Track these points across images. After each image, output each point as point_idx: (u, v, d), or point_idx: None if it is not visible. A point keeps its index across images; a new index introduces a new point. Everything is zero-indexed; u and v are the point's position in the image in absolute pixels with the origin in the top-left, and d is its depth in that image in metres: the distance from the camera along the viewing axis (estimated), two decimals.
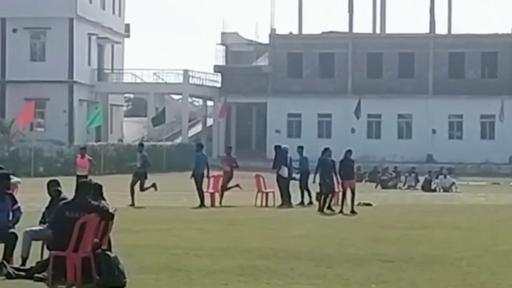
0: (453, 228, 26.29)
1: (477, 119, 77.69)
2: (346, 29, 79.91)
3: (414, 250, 19.47)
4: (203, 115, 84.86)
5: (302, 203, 34.37)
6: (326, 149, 33.50)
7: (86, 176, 27.71)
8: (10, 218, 15.07)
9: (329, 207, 32.05)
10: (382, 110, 75.07)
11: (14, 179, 20.46)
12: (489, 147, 76.72)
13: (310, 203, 34.48)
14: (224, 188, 33.04)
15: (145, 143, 71.18)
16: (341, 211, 31.49)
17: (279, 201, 33.56)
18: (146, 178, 33.99)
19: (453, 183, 53.18)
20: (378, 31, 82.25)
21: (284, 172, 33.55)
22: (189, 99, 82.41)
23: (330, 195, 32.73)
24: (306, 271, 15.22)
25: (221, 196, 33.33)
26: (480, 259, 17.70)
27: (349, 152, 33.50)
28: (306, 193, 34.59)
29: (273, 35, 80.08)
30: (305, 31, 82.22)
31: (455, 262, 17.47)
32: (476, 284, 14.28)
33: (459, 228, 26.59)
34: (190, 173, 34.61)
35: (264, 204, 33.32)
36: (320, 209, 31.80)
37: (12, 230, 14.93)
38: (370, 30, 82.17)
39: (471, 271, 16.05)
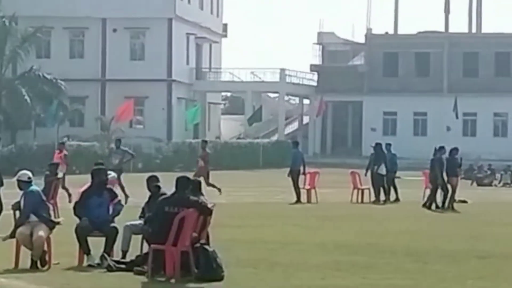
0: None
1: None
2: (442, 29, 79.55)
3: (511, 247, 19.24)
4: (299, 113, 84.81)
5: (387, 200, 34.08)
6: (455, 149, 32.77)
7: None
8: (110, 212, 15.48)
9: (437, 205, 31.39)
10: (477, 108, 74.38)
11: (111, 174, 20.79)
12: None
13: (397, 199, 34.23)
14: (208, 184, 30.58)
15: (242, 140, 74.07)
16: (439, 207, 30.91)
17: (373, 198, 33.47)
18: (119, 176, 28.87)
19: None
20: (474, 30, 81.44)
21: (382, 169, 33.50)
22: (286, 97, 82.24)
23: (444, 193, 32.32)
24: (402, 266, 15.12)
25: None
26: None
27: (454, 150, 33.08)
28: (392, 190, 34.17)
29: (369, 35, 79.98)
30: (401, 31, 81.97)
31: None
32: None
33: None
34: (287, 170, 34.25)
35: (360, 200, 33.14)
36: (449, 206, 30.97)
37: (113, 224, 15.36)
38: (466, 30, 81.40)
39: None
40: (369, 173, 35.23)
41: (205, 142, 39.06)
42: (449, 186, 31.69)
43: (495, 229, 23.31)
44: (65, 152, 32.40)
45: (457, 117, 71.93)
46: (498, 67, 77.31)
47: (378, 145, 35.79)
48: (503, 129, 76.15)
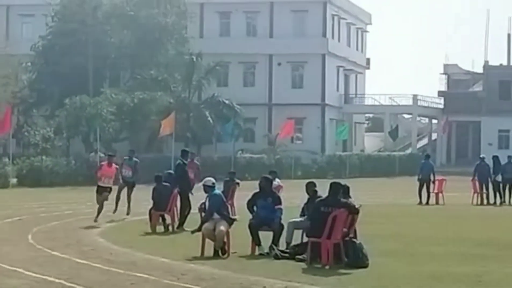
0: None
1: None
2: None
3: None
4: (428, 131, 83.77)
5: (503, 202, 32.86)
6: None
7: (110, 188, 21.62)
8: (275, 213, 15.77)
9: None
10: None
11: (276, 181, 20.87)
12: None
13: (504, 202, 32.81)
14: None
15: (381, 153, 73.32)
16: None
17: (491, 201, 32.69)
18: (132, 188, 24.30)
19: None
20: None
21: (499, 177, 32.66)
22: (417, 118, 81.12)
23: None
24: None
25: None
26: None
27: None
28: (503, 195, 32.98)
29: (486, 66, 78.74)
30: None
31: None
32: None
33: None
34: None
35: (479, 202, 32.47)
36: None
37: (279, 221, 15.54)
38: None
39: None
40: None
41: (193, 154, 27.99)
42: None
43: None
44: (115, 165, 24.34)
45: None
46: None
47: (496, 157, 34.79)
48: None
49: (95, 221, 20.50)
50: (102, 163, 21.95)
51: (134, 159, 23.96)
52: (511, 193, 33.49)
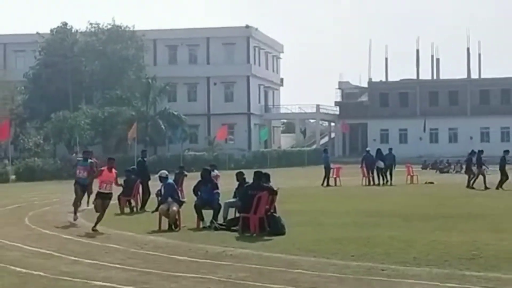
0: (486, 196, 25.40)
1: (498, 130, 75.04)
2: (415, 76, 78.46)
3: (463, 210, 19.19)
4: (328, 131, 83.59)
5: (385, 183, 32.69)
6: (480, 151, 30.88)
7: (111, 195, 15.36)
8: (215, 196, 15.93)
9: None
10: (438, 125, 73.32)
11: (215, 172, 20.73)
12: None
13: (386, 183, 32.60)
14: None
15: (294, 149, 72.93)
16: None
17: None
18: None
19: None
20: (435, 76, 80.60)
21: (381, 164, 32.87)
22: (320, 122, 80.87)
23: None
24: (395, 224, 15.54)
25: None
26: (503, 215, 17.79)
27: (478, 152, 30.43)
28: (385, 177, 32.94)
29: (370, 82, 79.13)
30: (390, 78, 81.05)
31: (489, 216, 17.45)
32: (499, 228, 14.45)
33: (490, 196, 25.66)
34: (322, 166, 34.53)
35: (367, 184, 32.46)
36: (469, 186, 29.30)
37: (217, 202, 15.75)
38: (429, 76, 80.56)
39: (498, 221, 16.30)
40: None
41: (90, 152, 21.14)
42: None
43: (453, 200, 23.12)
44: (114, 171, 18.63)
45: (424, 131, 70.99)
46: (450, 99, 75.54)
47: (379, 149, 34.91)
48: (454, 138, 74.55)
49: (93, 230, 14.68)
50: (102, 168, 15.37)
51: (89, 160, 18.35)
52: (391, 176, 33.28)
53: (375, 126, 76.18)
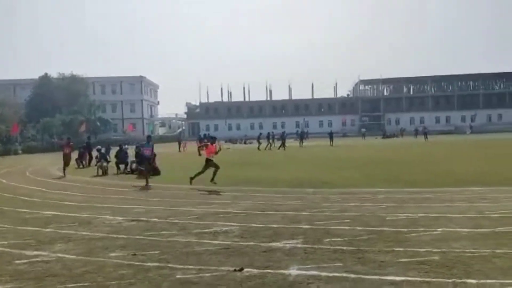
0: (394, 149, 23.15)
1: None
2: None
3: (373, 158, 18.13)
4: (181, 126, 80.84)
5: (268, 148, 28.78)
6: (283, 132, 28.88)
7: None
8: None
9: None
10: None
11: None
12: None
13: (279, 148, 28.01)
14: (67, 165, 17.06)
15: (165, 134, 72.38)
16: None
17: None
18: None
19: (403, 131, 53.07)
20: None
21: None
22: (178, 121, 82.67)
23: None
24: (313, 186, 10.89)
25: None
26: (408, 162, 16.28)
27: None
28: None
29: (189, 105, 78.64)
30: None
31: (398, 163, 15.31)
32: (402, 173, 12.76)
33: (396, 148, 24.91)
34: None
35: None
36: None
37: (127, 159, 14.78)
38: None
39: (404, 167, 14.27)
40: None
41: (68, 138, 19.13)
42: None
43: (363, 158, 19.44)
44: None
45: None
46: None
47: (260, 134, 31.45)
48: None
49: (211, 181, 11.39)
50: (208, 143, 11.87)
51: (151, 142, 13.47)
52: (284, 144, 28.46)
53: (204, 124, 77.33)
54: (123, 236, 6.30)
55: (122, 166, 16.12)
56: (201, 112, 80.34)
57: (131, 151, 17.23)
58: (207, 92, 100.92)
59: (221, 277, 4.52)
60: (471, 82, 79.07)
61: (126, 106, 74.66)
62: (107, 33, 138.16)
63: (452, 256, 4.94)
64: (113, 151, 18.51)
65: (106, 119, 61.98)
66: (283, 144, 28.09)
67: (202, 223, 6.89)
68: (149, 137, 13.84)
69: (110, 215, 7.81)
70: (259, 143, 29.83)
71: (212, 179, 11.30)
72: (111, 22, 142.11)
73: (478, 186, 10.12)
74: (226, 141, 53.12)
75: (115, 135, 60.49)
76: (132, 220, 7.27)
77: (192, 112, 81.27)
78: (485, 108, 76.03)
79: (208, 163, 11.43)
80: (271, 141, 29.79)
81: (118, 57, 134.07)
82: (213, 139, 12.10)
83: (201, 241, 5.89)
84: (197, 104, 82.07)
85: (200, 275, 4.59)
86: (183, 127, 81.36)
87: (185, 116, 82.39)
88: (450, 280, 4.26)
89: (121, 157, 16.11)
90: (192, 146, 32.04)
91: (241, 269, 4.72)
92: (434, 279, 4.28)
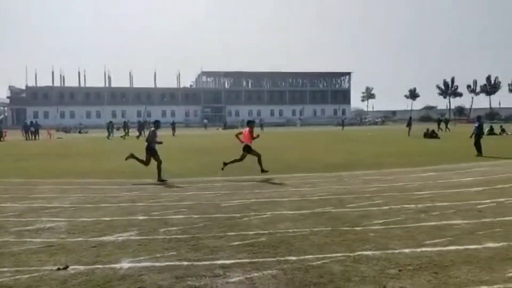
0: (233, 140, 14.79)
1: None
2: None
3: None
4: (3, 112, 79.91)
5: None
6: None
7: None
8: None
9: None
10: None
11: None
12: None
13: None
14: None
15: None
16: None
17: None
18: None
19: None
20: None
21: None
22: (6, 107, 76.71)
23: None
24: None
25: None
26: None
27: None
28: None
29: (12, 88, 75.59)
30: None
31: (236, 153, 12.23)
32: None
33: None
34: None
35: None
36: None
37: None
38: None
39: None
40: None
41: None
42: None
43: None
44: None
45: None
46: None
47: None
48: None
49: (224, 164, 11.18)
50: (244, 130, 11.27)
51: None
52: None
53: (31, 110, 76.12)
54: None
55: None
56: (27, 97, 77.28)
57: None
58: (35, 75, 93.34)
59: (41, 278, 4.31)
60: (300, 80, 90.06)
61: None
62: None
63: (277, 237, 5.38)
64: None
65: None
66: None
67: (23, 220, 6.57)
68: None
69: None
70: (109, 132, 32.20)
71: (262, 169, 11.07)
72: None
73: (304, 172, 11.30)
74: (58, 130, 52.19)
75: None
76: None
77: (16, 96, 77.89)
78: (311, 104, 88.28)
79: (249, 150, 11.11)
80: (127, 130, 32.61)
81: None
82: (251, 123, 11.47)
83: (20, 240, 5.55)
84: (23, 88, 78.50)
85: (17, 277, 4.32)
86: (6, 114, 78.67)
87: (7, 101, 79.24)
88: (274, 259, 4.63)
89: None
90: (13, 135, 32.75)
91: (65, 267, 4.55)
92: (261, 259, 4.63)
